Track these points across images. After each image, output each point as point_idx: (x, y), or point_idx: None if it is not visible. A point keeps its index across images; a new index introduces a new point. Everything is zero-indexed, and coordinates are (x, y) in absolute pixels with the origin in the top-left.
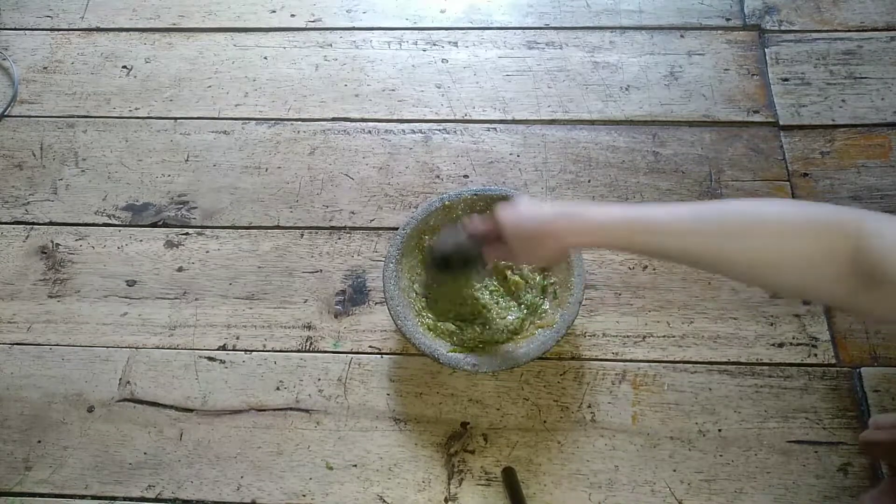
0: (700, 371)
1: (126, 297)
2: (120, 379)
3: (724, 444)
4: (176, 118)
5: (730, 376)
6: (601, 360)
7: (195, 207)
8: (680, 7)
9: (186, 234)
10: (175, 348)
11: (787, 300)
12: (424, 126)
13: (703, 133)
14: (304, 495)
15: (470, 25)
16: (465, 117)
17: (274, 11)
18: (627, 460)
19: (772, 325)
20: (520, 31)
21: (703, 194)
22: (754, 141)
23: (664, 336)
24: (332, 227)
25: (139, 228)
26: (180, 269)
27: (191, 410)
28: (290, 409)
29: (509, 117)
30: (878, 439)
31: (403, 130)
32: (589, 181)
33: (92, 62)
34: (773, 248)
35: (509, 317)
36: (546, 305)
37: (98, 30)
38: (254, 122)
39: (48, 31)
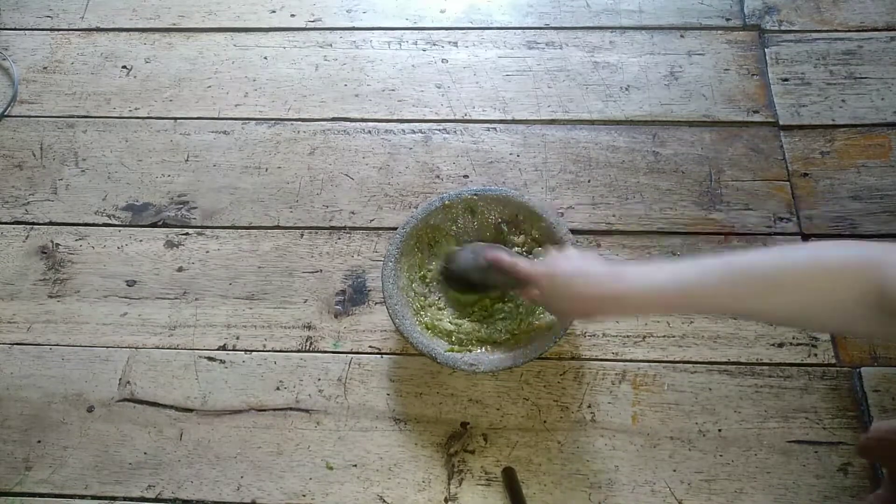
0: (700, 371)
1: (126, 297)
2: (120, 379)
3: (724, 444)
4: (176, 118)
5: (730, 376)
6: (601, 360)
7: (195, 207)
8: (680, 7)
9: (186, 234)
10: (175, 348)
11: None
12: (424, 126)
13: (703, 133)
14: (304, 495)
15: (470, 25)
16: (465, 117)
17: (274, 11)
18: (627, 460)
19: (772, 325)
20: (520, 31)
21: (703, 194)
22: (754, 141)
23: (664, 336)
24: (332, 227)
25: (139, 228)
26: (180, 269)
27: (191, 410)
28: (290, 409)
29: (509, 117)
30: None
31: (403, 130)
32: (589, 181)
33: (92, 62)
34: (806, 302)
35: (510, 318)
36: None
37: (98, 30)
38: (254, 122)
39: (48, 31)
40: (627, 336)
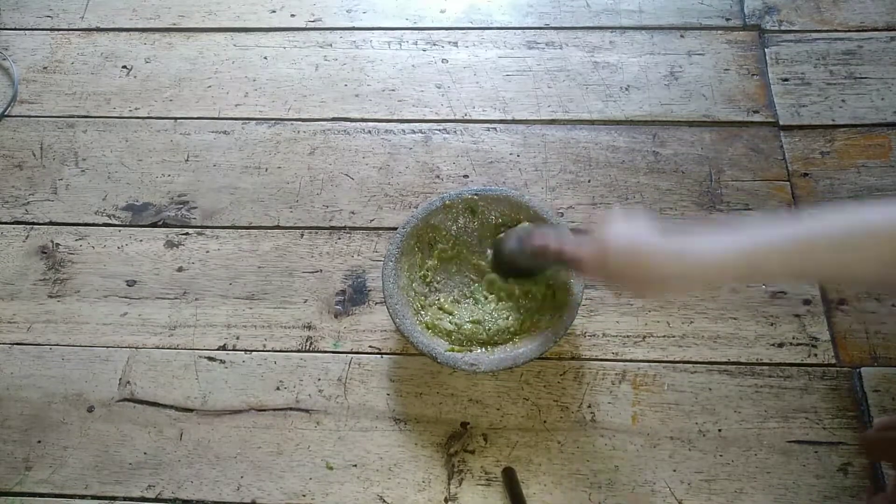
0: (700, 371)
1: (126, 297)
2: (120, 379)
3: (724, 444)
4: (176, 118)
5: (730, 376)
6: (601, 360)
7: (195, 207)
8: (680, 7)
9: (186, 234)
10: (175, 348)
11: (787, 300)
12: (424, 126)
13: (703, 133)
14: (304, 495)
15: (470, 25)
16: (465, 117)
17: (274, 11)
18: (627, 460)
19: (772, 325)
20: (520, 31)
21: (703, 194)
22: (754, 141)
23: (664, 336)
24: (332, 227)
25: (139, 228)
26: (180, 269)
27: (191, 410)
28: (290, 409)
29: (509, 117)
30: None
31: (403, 130)
32: (589, 181)
33: (92, 62)
34: (886, 253)
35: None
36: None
37: (98, 30)
38: (254, 122)
39: (48, 31)
40: (627, 336)
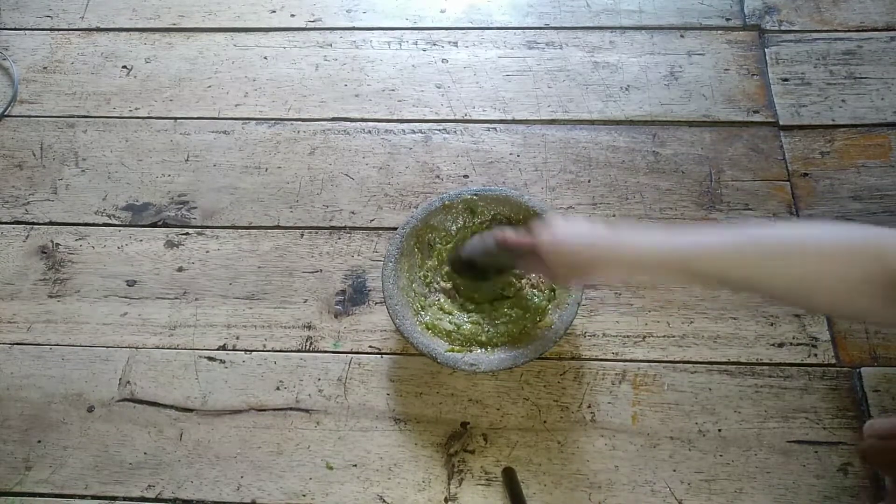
0: (700, 371)
1: (126, 297)
2: (120, 379)
3: (724, 444)
4: (176, 118)
5: (730, 376)
6: (601, 360)
7: (195, 207)
8: (680, 7)
9: (186, 234)
10: (175, 348)
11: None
12: (424, 126)
13: (703, 133)
14: (304, 495)
15: (470, 25)
16: (465, 117)
17: (274, 11)
18: (627, 460)
19: (772, 325)
20: (520, 31)
21: (703, 194)
22: (754, 141)
23: (664, 336)
24: (332, 227)
25: (139, 228)
26: (180, 269)
27: (191, 410)
28: (290, 409)
29: (509, 117)
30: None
31: (403, 130)
32: (589, 181)
33: (92, 62)
34: (810, 275)
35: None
36: (548, 306)
37: (98, 30)
38: (254, 122)
39: (48, 31)
40: (627, 336)
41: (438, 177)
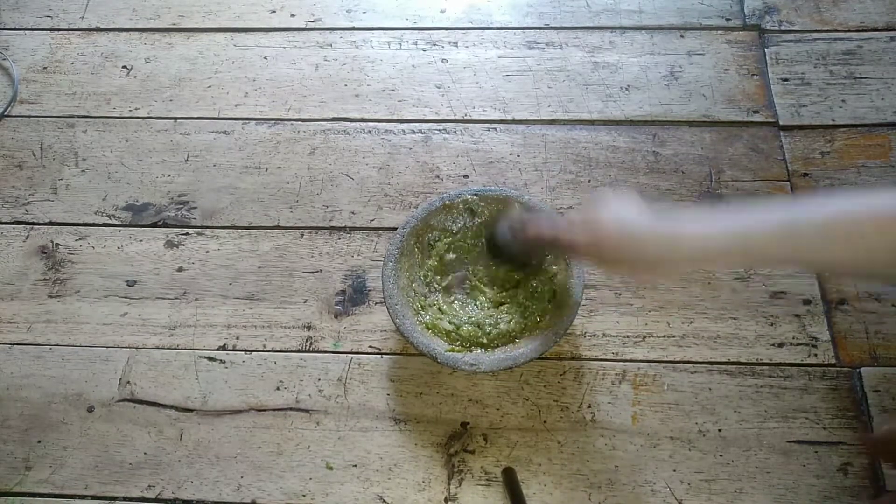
0: (700, 371)
1: (126, 297)
2: (120, 379)
3: (724, 444)
4: (176, 118)
5: (730, 376)
6: (601, 360)
7: (195, 207)
8: (680, 7)
9: (186, 234)
10: (175, 348)
11: (787, 300)
12: (424, 126)
13: (703, 133)
14: (304, 495)
15: (470, 25)
16: (465, 117)
17: (274, 11)
18: (627, 460)
19: (772, 325)
20: (520, 31)
21: (702, 194)
22: (754, 141)
23: (664, 336)
24: (332, 227)
25: (139, 228)
26: (180, 269)
27: (191, 410)
28: (290, 409)
29: (509, 117)
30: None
31: (403, 130)
32: (589, 181)
33: (92, 62)
34: (869, 248)
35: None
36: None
37: (98, 30)
38: (254, 122)
39: (48, 31)
40: (627, 336)
41: (438, 177)
